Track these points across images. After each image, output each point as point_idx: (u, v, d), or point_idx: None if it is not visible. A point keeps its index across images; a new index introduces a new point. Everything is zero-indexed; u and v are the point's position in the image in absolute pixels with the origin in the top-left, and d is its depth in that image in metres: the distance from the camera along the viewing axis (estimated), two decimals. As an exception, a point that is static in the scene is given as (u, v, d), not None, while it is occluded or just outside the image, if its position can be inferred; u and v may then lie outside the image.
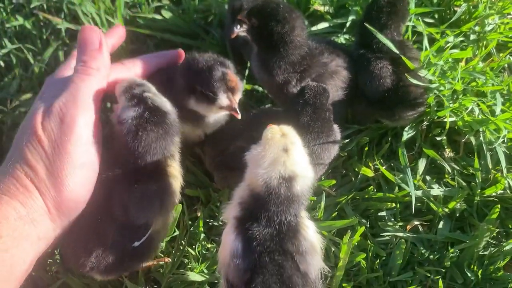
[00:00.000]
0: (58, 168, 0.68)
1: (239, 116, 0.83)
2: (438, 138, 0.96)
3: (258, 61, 0.95)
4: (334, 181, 0.94)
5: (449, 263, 0.84)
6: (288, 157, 0.66)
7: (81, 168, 0.71)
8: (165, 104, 0.77)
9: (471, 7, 1.12)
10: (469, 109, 0.93)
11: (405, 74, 0.88)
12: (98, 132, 0.74)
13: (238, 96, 0.84)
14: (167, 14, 1.16)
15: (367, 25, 0.90)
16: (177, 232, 0.90)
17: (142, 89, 0.76)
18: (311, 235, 0.68)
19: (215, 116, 0.90)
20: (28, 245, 0.67)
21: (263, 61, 0.93)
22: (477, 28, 1.13)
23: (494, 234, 0.86)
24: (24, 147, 0.69)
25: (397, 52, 0.89)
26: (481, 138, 0.93)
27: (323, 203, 0.89)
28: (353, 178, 0.97)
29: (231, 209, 0.71)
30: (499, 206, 0.84)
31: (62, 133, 0.69)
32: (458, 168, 0.95)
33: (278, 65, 0.91)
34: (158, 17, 1.19)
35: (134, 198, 0.75)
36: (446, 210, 0.90)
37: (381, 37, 0.89)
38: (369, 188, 0.93)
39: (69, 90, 0.72)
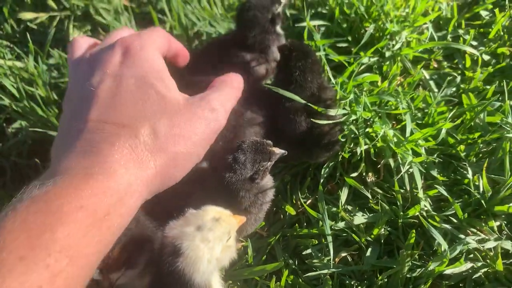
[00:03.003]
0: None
1: None
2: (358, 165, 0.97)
3: None
4: (263, 223, 0.95)
5: (377, 292, 0.86)
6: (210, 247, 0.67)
7: None
8: None
9: (381, 25, 1.14)
10: (381, 134, 0.95)
11: (311, 119, 0.88)
12: None
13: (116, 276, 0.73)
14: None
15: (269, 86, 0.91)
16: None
17: None
18: None
19: None
20: None
21: None
22: (393, 43, 1.15)
23: (417, 257, 0.87)
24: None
25: (304, 102, 0.89)
26: (399, 159, 0.95)
27: (250, 251, 0.90)
28: (282, 216, 0.99)
29: None
30: (414, 231, 0.86)
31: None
32: (381, 192, 0.96)
33: None
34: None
35: None
36: (372, 237, 0.91)
37: (288, 94, 0.89)
38: (295, 226, 0.94)
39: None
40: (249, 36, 0.99)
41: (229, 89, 0.79)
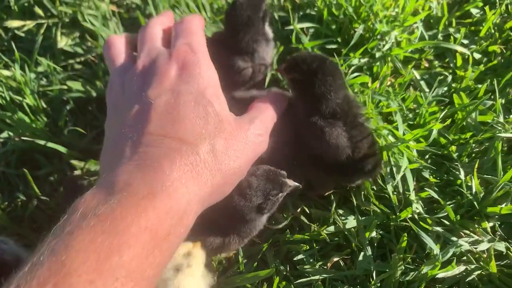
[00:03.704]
0: None
1: None
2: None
3: None
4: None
5: (369, 297, 0.85)
6: (176, 277, 0.67)
7: None
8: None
9: (371, 25, 1.13)
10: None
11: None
12: None
13: None
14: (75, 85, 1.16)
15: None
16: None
17: None
18: None
19: None
20: None
21: None
22: (383, 43, 1.14)
23: (410, 260, 0.86)
24: None
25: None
26: (392, 161, 0.94)
27: (240, 258, 0.89)
28: (273, 221, 0.97)
29: None
30: (405, 234, 0.85)
31: None
32: (373, 194, 0.95)
33: None
34: (71, 84, 1.19)
35: None
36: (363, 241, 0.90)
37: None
38: (287, 232, 0.93)
39: None
40: (241, 38, 0.97)
41: (270, 112, 0.81)
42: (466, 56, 1.12)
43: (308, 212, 0.94)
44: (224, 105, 0.73)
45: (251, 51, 0.98)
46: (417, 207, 0.88)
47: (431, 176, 0.93)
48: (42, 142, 1.05)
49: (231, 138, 0.69)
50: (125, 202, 0.52)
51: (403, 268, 0.85)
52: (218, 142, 0.66)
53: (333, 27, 1.13)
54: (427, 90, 1.09)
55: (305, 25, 1.12)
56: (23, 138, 1.07)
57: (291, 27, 1.09)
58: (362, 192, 0.95)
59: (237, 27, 0.96)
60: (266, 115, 0.80)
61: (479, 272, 0.83)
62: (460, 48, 1.08)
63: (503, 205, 0.87)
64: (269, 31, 1.00)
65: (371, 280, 0.87)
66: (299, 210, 0.95)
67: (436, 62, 1.16)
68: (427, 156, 0.97)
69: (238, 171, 0.70)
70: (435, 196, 0.88)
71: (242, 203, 0.77)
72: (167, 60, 0.73)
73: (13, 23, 1.28)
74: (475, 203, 0.88)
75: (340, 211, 0.94)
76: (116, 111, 0.74)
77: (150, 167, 0.57)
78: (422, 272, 0.83)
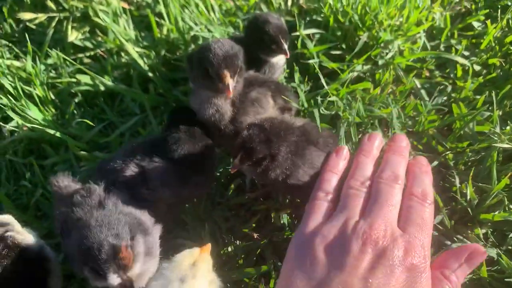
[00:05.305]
0: None
1: None
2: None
3: None
4: (254, 225, 0.97)
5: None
6: None
7: None
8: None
9: (375, 33, 1.16)
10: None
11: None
12: None
13: (134, 270, 0.73)
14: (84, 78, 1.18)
15: None
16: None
17: (5, 229, 0.82)
18: None
19: None
20: None
21: None
22: (386, 52, 1.17)
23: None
24: None
25: None
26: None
27: (239, 253, 0.91)
28: (272, 219, 1.00)
29: None
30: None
31: None
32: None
33: None
34: (80, 77, 1.21)
35: None
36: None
37: None
38: (284, 229, 0.95)
39: None
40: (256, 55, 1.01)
41: None
42: (466, 68, 1.15)
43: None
44: None
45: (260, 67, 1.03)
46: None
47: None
48: (51, 132, 1.07)
49: None
50: None
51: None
52: None
53: (339, 33, 1.16)
54: (427, 98, 1.12)
55: (311, 31, 1.15)
56: (32, 126, 1.09)
57: (297, 33, 1.12)
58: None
59: (259, 45, 1.00)
60: None
61: (470, 276, 0.85)
62: (461, 60, 1.11)
63: (496, 213, 0.89)
64: (281, 61, 1.05)
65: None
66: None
67: (437, 72, 1.18)
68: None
69: None
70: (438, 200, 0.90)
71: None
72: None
73: (25, 15, 1.30)
74: (469, 209, 0.90)
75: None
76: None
77: None
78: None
